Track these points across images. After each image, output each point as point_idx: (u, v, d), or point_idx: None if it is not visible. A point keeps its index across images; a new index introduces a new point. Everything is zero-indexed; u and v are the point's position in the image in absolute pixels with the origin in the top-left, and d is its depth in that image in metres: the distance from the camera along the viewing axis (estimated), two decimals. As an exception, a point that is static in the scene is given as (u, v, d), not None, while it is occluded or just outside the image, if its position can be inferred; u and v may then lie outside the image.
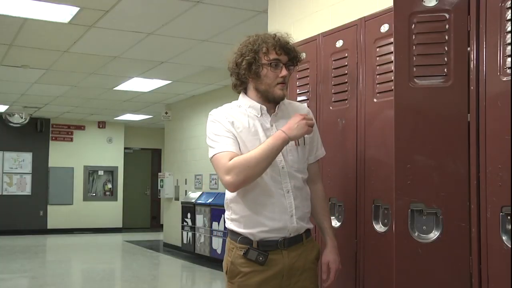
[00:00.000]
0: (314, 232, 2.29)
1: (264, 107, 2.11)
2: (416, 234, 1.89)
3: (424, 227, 1.89)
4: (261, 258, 2.03)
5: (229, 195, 2.14)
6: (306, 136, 2.15)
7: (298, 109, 2.22)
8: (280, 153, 2.05)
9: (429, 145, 1.91)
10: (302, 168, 2.15)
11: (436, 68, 1.91)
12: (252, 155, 1.97)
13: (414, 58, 1.92)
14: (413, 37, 1.92)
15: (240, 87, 2.16)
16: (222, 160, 2.00)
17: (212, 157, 2.06)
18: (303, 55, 2.23)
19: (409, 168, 1.90)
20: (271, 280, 2.06)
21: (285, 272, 2.07)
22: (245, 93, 2.17)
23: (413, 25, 1.92)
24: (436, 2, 1.91)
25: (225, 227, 5.68)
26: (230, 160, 1.98)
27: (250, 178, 1.99)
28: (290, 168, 2.10)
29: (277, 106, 2.13)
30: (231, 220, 2.15)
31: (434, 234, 1.88)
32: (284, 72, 2.08)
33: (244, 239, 2.08)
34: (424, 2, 1.93)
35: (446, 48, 1.90)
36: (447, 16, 1.90)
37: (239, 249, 2.08)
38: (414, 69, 1.92)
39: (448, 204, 1.86)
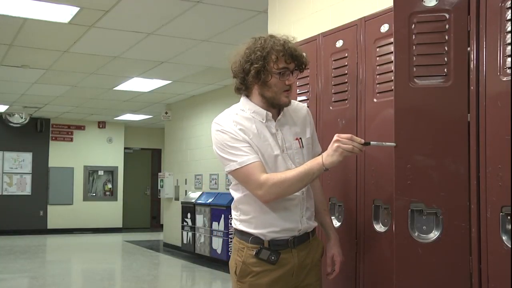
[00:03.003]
0: (319, 231, 2.29)
1: (270, 114, 2.09)
2: (416, 234, 1.89)
3: (424, 227, 1.89)
4: (273, 258, 2.05)
5: (237, 196, 2.14)
6: (308, 136, 2.18)
7: (297, 109, 2.22)
8: (288, 157, 2.08)
9: (429, 145, 1.90)
10: None
11: (436, 68, 1.90)
12: (288, 176, 1.98)
13: (414, 58, 1.92)
14: (413, 37, 1.92)
15: (245, 91, 2.13)
16: (253, 175, 1.98)
17: (234, 170, 2.01)
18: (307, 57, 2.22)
19: (409, 168, 1.90)
20: (281, 279, 2.08)
21: (295, 271, 2.10)
22: (247, 95, 2.14)
23: (413, 25, 1.92)
24: (436, 2, 1.91)
25: (225, 227, 5.63)
26: (261, 172, 1.98)
27: (281, 196, 2.01)
28: None
29: (281, 112, 2.13)
30: (240, 221, 2.14)
31: (434, 234, 1.88)
32: (291, 80, 2.06)
33: (255, 239, 2.08)
34: (424, 2, 1.92)
35: (446, 48, 1.90)
36: (447, 16, 1.90)
37: (251, 249, 2.08)
38: (414, 69, 1.91)
39: (448, 204, 1.86)
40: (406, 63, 1.92)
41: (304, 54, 2.11)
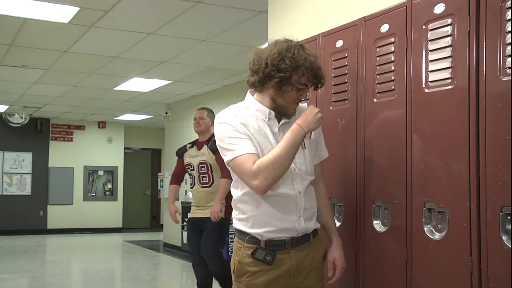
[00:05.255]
0: (321, 233, 2.29)
1: (272, 112, 2.11)
2: (429, 232, 1.98)
3: (439, 225, 1.96)
4: (268, 258, 2.04)
5: (236, 194, 2.14)
6: (311, 138, 2.18)
7: (301, 110, 2.22)
8: None
9: (438, 147, 1.96)
10: (309, 170, 2.16)
11: (443, 72, 1.95)
12: (276, 154, 1.97)
13: (426, 65, 2.01)
14: (426, 44, 2.01)
15: (258, 89, 2.13)
16: (246, 164, 1.98)
17: (231, 160, 2.03)
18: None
19: (424, 169, 2.00)
20: (278, 279, 2.07)
21: (292, 272, 2.09)
22: (255, 93, 2.15)
23: (426, 33, 2.02)
24: (443, 8, 1.95)
25: (225, 227, 5.55)
26: (254, 163, 1.97)
27: (277, 178, 1.99)
28: (300, 171, 2.11)
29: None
30: (238, 220, 2.15)
31: (443, 233, 1.93)
32: (305, 95, 2.11)
33: (252, 239, 2.08)
34: (434, 9, 1.99)
35: (451, 52, 1.92)
36: (451, 19, 1.93)
37: (247, 248, 2.09)
38: (426, 75, 2.00)
39: (452, 203, 1.90)
40: (422, 70, 2.03)
41: (324, 74, 2.12)
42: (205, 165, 4.82)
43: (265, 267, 2.05)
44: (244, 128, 2.05)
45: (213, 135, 4.79)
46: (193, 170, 4.89)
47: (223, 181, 4.65)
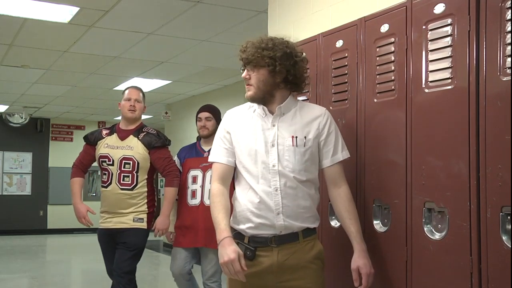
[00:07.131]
0: (321, 233, 2.28)
1: (266, 108, 2.21)
2: (428, 232, 1.98)
3: (439, 225, 1.96)
4: (248, 253, 2.11)
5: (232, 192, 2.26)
6: (308, 138, 2.17)
7: (313, 111, 2.25)
8: (276, 151, 2.14)
9: (438, 147, 1.96)
10: (299, 168, 2.15)
11: (443, 72, 1.95)
12: (213, 210, 2.17)
13: (426, 64, 2.01)
14: (427, 44, 2.01)
15: None
16: (215, 172, 2.26)
17: (211, 161, 2.29)
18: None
19: (424, 169, 2.00)
20: (259, 275, 2.12)
21: (274, 269, 2.12)
22: None
23: (426, 33, 2.02)
24: (443, 8, 1.95)
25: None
26: (220, 177, 2.22)
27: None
28: (284, 168, 2.13)
29: (277, 107, 2.19)
30: (232, 216, 2.24)
31: (443, 233, 1.93)
32: (243, 73, 2.23)
33: (237, 235, 2.17)
34: (434, 9, 1.99)
35: (451, 52, 1.92)
36: (452, 19, 1.93)
37: None
38: (426, 75, 2.01)
39: (453, 203, 1.89)
40: (422, 70, 2.03)
41: (243, 52, 2.22)
42: (131, 162, 3.73)
43: (247, 262, 2.09)
44: (230, 129, 2.23)
45: (142, 124, 3.89)
46: (112, 165, 3.78)
47: (169, 190, 3.75)
